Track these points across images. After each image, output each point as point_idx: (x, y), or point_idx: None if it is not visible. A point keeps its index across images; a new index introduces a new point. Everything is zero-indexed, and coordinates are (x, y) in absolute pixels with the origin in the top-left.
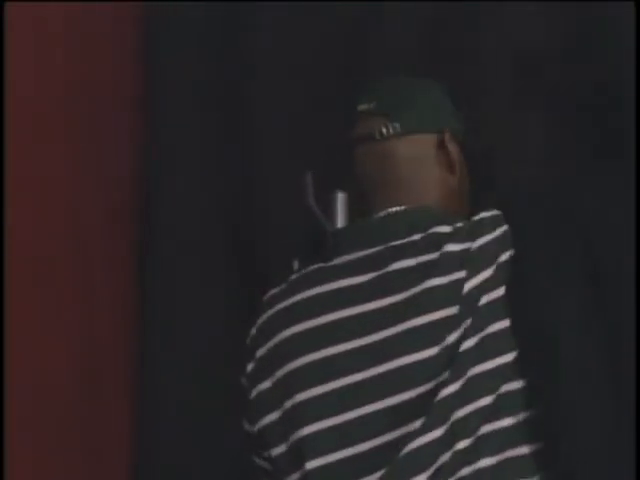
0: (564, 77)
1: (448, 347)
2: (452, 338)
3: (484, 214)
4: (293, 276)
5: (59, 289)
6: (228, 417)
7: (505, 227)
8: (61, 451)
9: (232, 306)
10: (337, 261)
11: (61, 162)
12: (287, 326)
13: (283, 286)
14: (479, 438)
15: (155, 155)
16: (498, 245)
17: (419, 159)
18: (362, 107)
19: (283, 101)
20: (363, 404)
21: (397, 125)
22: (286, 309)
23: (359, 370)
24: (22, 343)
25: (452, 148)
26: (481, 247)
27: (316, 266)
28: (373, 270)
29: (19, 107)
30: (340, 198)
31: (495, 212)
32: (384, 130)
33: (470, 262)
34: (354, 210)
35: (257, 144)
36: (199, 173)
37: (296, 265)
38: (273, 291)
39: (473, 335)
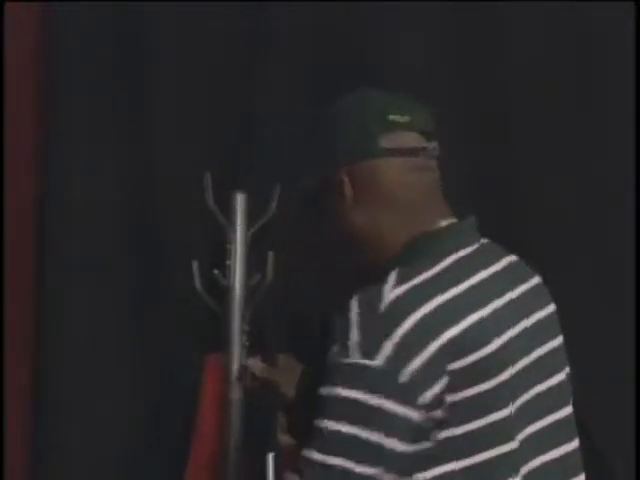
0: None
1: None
2: None
3: None
4: (433, 267)
5: None
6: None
7: None
8: None
9: (132, 305)
10: (456, 256)
11: None
12: (477, 308)
13: (420, 280)
14: None
15: (53, 155)
16: None
17: (439, 177)
18: (397, 118)
19: (183, 101)
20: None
21: (437, 145)
22: (452, 300)
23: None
24: None
25: None
26: None
27: (448, 262)
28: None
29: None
30: (239, 198)
31: None
32: (432, 148)
33: None
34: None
35: (156, 144)
36: (99, 173)
37: (196, 265)
38: (406, 287)
39: None
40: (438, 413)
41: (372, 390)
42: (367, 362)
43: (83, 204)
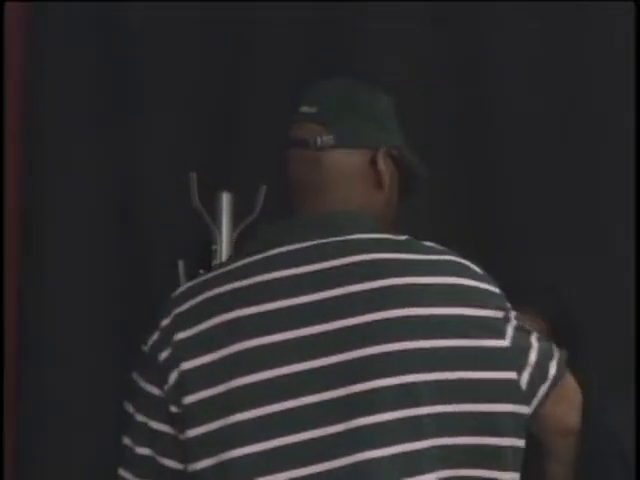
0: None
1: None
2: None
3: None
4: (222, 266)
5: None
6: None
7: None
8: None
9: (118, 306)
10: (272, 252)
11: None
12: (227, 311)
13: (209, 276)
14: None
15: (40, 156)
16: None
17: (348, 172)
18: (303, 109)
19: (168, 102)
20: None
21: (331, 137)
22: (222, 295)
23: (311, 358)
24: None
25: (383, 166)
26: None
27: (254, 258)
28: (312, 264)
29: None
30: (225, 198)
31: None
32: (318, 141)
33: None
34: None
35: (141, 145)
36: (83, 173)
37: (181, 265)
38: (196, 281)
39: None
40: (175, 409)
41: (140, 372)
42: (143, 346)
43: (69, 205)
